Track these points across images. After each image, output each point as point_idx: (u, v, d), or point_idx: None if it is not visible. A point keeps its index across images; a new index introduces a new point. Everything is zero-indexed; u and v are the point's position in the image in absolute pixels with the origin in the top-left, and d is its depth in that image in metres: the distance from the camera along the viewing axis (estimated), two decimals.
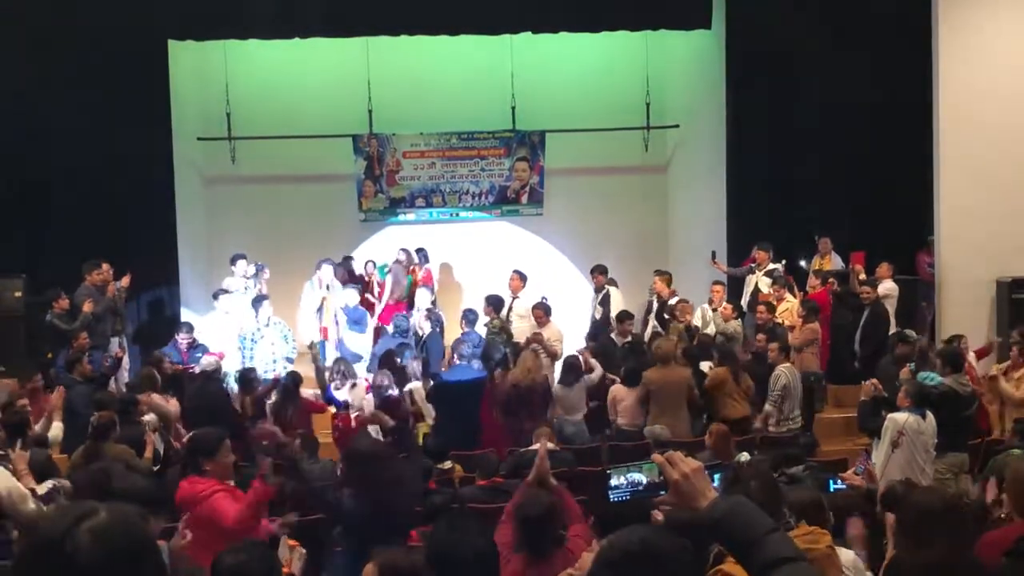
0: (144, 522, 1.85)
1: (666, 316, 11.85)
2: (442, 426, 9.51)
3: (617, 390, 9.87)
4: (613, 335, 11.44)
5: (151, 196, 12.64)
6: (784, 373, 9.60)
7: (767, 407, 9.64)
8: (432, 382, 10.12)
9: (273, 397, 9.62)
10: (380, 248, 15.07)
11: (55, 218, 12.22)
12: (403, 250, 14.02)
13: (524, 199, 15.60)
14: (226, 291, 12.05)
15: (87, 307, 10.65)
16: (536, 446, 8.06)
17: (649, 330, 12.10)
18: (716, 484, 4.73)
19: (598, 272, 12.70)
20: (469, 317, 11.40)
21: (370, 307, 13.24)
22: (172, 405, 9.23)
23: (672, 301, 12.00)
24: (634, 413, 9.68)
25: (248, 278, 12.60)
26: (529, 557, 4.25)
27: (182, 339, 10.97)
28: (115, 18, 12.03)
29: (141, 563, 1.75)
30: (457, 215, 15.74)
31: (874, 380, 9.03)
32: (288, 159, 15.21)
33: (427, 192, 15.50)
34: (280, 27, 12.77)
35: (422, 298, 12.32)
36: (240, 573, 3.51)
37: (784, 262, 12.41)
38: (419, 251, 14.09)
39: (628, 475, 2.45)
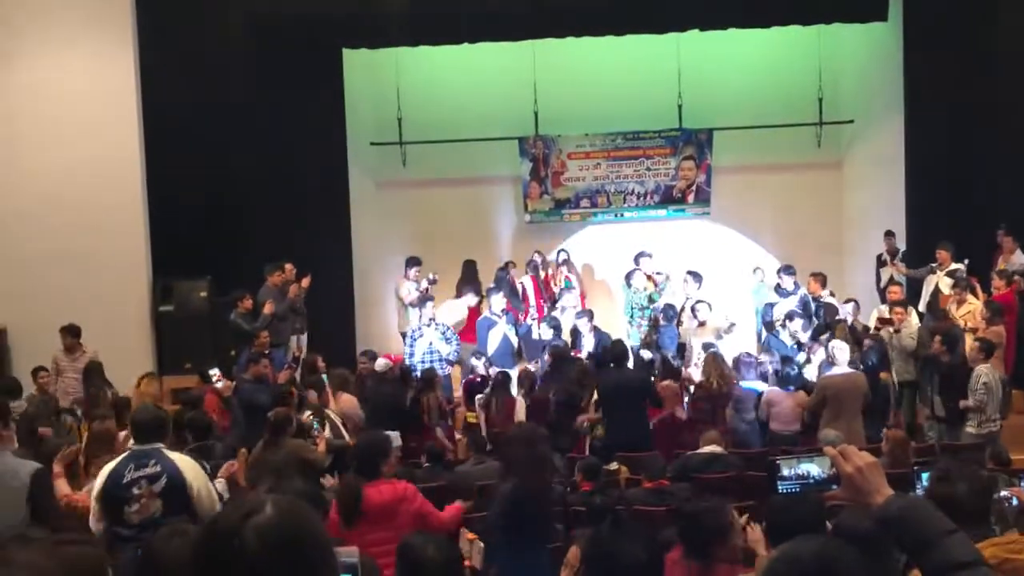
0: (318, 515, 1.91)
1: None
2: (610, 426, 9.48)
3: (773, 394, 9.58)
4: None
5: (329, 200, 13.14)
6: (985, 372, 9.14)
7: (969, 403, 9.14)
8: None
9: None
10: (545, 249, 15.13)
11: (240, 223, 12.76)
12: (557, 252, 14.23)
13: (690, 198, 15.36)
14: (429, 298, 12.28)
15: (268, 308, 11.11)
16: (704, 450, 7.96)
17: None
18: (925, 484, 4.53)
19: (788, 272, 12.42)
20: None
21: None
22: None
23: (826, 299, 11.87)
24: (790, 417, 9.42)
25: (420, 289, 12.59)
26: (694, 565, 4.04)
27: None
28: (288, 29, 12.59)
29: (306, 557, 1.79)
30: (622, 215, 15.64)
31: None
32: (455, 162, 15.47)
33: (592, 193, 15.45)
34: (448, 33, 13.04)
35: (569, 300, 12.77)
36: (426, 559, 3.68)
37: (967, 261, 11.79)
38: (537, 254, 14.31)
39: (798, 467, 2.39)
